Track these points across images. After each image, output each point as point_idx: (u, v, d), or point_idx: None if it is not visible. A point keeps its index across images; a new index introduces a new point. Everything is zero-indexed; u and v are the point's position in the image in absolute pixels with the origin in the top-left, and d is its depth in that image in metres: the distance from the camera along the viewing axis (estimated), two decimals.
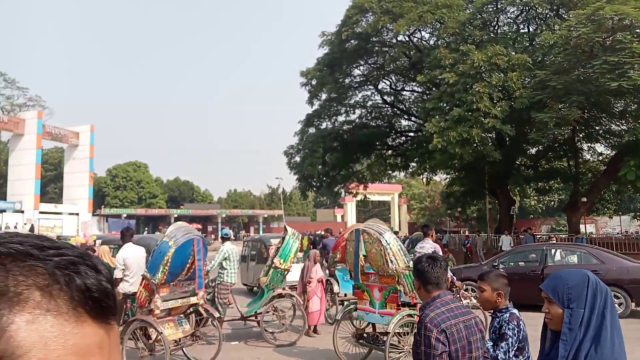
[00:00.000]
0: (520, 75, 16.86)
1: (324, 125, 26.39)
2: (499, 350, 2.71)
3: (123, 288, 6.69)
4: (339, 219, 65.24)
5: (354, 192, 29.85)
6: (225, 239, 9.09)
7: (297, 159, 25.80)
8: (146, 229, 50.48)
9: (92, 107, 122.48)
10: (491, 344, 2.79)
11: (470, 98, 16.23)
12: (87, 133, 44.58)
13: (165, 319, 6.31)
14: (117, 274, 6.77)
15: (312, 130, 25.89)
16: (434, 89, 19.82)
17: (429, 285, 2.32)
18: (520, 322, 2.83)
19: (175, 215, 51.67)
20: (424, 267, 2.34)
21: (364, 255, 6.60)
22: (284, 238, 8.09)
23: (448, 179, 28.97)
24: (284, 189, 67.37)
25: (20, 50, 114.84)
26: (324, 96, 25.68)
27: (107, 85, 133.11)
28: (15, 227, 34.12)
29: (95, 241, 10.85)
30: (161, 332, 5.95)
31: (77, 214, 42.82)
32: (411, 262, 5.76)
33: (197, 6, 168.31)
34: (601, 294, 1.83)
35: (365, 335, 6.53)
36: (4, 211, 37.36)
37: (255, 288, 11.20)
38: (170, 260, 6.03)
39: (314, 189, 29.11)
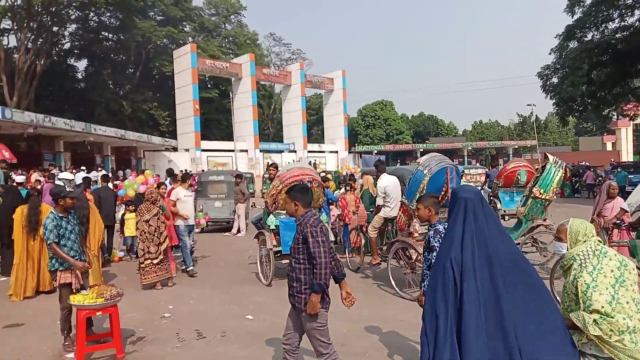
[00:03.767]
0: None
1: (589, 37, 22.32)
2: (431, 257, 3.80)
3: (385, 212, 7.39)
4: (608, 147, 55.39)
5: (631, 114, 24.87)
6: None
7: (555, 80, 22.79)
8: (398, 163, 53.60)
9: (342, 53, 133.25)
10: (426, 253, 3.95)
11: None
12: (340, 78, 49.13)
13: (423, 241, 6.78)
14: (379, 201, 7.49)
15: (573, 44, 22.27)
16: None
17: (303, 205, 3.54)
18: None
19: (421, 150, 53.10)
20: (301, 194, 3.56)
21: None
22: (544, 167, 7.47)
23: None
24: (537, 116, 60.73)
25: (281, 9, 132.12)
26: (588, 0, 21.51)
27: (353, 31, 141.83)
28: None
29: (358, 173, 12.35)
30: (420, 253, 6.44)
31: (337, 152, 48.65)
32: None
33: None
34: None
35: None
36: (282, 151, 45.30)
37: None
38: (425, 187, 6.37)
39: (576, 113, 25.41)
